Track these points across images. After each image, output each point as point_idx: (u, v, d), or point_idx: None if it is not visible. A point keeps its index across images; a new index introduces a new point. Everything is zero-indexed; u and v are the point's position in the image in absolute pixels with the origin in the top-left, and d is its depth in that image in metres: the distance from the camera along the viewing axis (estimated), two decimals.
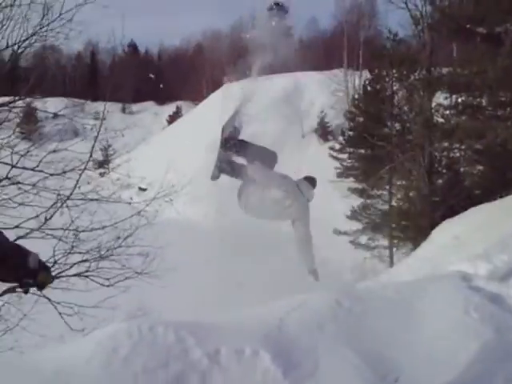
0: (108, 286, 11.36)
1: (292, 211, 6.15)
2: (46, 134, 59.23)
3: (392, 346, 7.30)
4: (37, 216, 10.94)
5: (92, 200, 12.13)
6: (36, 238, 10.61)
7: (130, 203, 16.59)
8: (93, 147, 13.77)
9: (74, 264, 11.06)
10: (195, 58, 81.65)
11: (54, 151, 12.60)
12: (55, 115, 16.57)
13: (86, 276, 11.22)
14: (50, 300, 10.62)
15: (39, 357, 7.32)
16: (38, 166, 11.42)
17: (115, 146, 55.10)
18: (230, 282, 30.23)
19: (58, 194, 11.31)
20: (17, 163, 11.24)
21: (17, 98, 13.42)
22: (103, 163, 54.33)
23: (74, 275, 11.05)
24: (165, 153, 51.29)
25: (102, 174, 50.79)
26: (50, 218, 11.01)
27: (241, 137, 7.37)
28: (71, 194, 11.51)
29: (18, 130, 46.79)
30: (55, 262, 10.76)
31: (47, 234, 10.96)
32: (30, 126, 60.80)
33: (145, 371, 6.52)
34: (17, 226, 10.67)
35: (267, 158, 6.87)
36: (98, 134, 13.63)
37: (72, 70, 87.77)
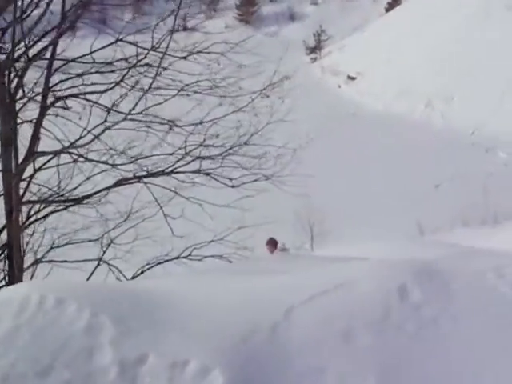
0: (232, 186, 10.09)
1: None
2: (263, 17, 70.62)
3: None
4: None
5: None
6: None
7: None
8: None
9: (196, 158, 9.93)
10: None
11: None
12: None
13: (208, 174, 10.04)
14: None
15: None
16: None
17: (329, 31, 60.02)
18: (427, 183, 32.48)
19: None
20: None
21: None
22: (314, 49, 64.44)
23: (194, 171, 10.06)
24: (380, 42, 51.94)
25: (312, 60, 62.20)
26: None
27: None
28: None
29: (236, 12, 59.91)
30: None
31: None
32: (248, 8, 69.66)
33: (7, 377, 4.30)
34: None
35: None
36: None
37: None
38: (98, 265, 10.60)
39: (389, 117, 43.32)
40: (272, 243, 13.39)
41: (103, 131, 9.58)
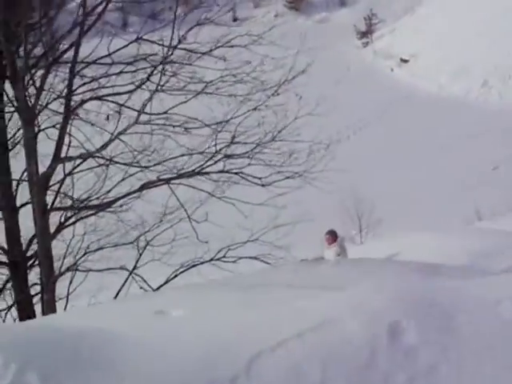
0: (262, 185, 9.66)
1: None
2: (313, 3, 70.47)
3: None
4: None
5: None
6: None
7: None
8: None
9: (224, 157, 9.52)
10: None
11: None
12: None
13: (236, 173, 9.62)
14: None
15: None
16: None
17: (380, 15, 58.99)
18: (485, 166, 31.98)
19: None
20: None
21: None
22: (366, 33, 63.84)
23: (221, 171, 9.63)
24: (432, 23, 50.98)
25: (364, 44, 62.08)
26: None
27: None
28: None
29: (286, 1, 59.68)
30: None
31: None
32: None
33: None
34: None
35: None
36: None
37: None
38: (130, 274, 10.28)
39: (443, 99, 42.53)
40: (331, 234, 12.78)
41: (120, 133, 9.28)
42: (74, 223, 10.01)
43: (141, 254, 11.18)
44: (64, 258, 10.13)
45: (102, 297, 11.98)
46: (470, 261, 12.19)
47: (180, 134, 9.90)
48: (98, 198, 10.32)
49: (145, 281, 10.15)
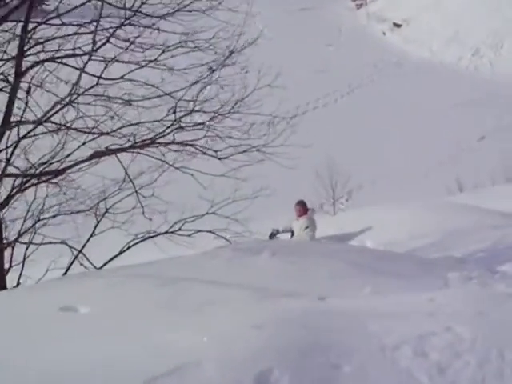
0: (219, 159, 9.15)
1: None
2: None
3: None
4: None
5: None
6: None
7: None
8: None
9: (179, 128, 9.02)
10: None
11: None
12: None
13: (190, 145, 9.03)
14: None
15: None
16: None
17: None
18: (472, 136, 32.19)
19: None
20: None
21: None
22: None
23: (173, 143, 9.09)
24: None
25: (358, 6, 61.48)
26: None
27: None
28: None
29: None
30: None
31: None
32: None
33: None
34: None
35: None
36: None
37: None
38: (79, 253, 9.95)
39: (435, 66, 41.92)
40: (301, 205, 12.50)
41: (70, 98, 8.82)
42: (23, 190, 9.62)
43: (98, 222, 10.98)
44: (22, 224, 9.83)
45: (63, 262, 11.62)
46: (440, 240, 12.04)
47: (138, 101, 9.45)
48: (50, 165, 9.95)
49: (88, 259, 9.85)
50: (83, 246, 10.41)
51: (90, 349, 3.68)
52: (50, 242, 10.05)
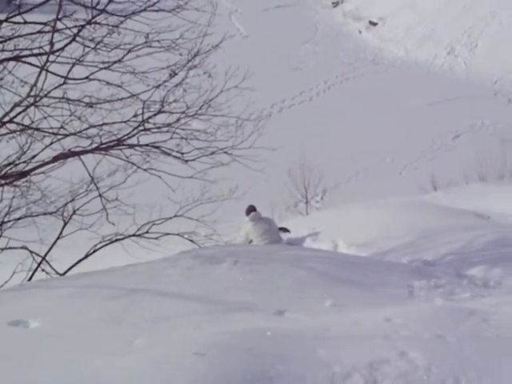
0: (186, 161, 9.02)
1: None
2: None
3: None
4: None
5: None
6: None
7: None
8: None
9: (143, 130, 8.86)
10: None
11: None
12: None
13: (155, 147, 8.87)
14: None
15: None
16: None
17: None
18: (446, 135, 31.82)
19: None
20: None
21: None
22: None
23: (138, 145, 8.91)
24: None
25: (334, 4, 61.63)
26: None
27: None
28: None
29: None
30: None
31: None
32: None
33: None
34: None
35: None
36: None
37: None
38: (43, 259, 9.73)
39: (410, 64, 41.91)
40: (246, 209, 12.51)
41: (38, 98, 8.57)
42: None
43: (66, 223, 10.84)
44: None
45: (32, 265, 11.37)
46: (412, 242, 12.00)
47: (102, 103, 9.29)
48: (16, 167, 9.72)
49: (50, 266, 9.64)
50: (47, 253, 10.22)
51: (25, 369, 3.42)
52: (11, 247, 9.80)
